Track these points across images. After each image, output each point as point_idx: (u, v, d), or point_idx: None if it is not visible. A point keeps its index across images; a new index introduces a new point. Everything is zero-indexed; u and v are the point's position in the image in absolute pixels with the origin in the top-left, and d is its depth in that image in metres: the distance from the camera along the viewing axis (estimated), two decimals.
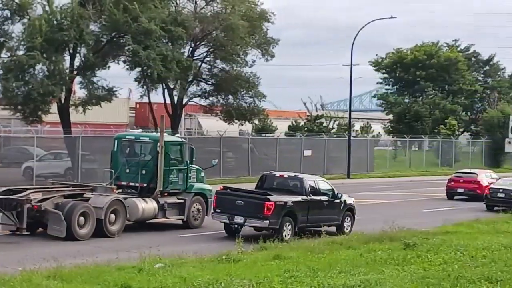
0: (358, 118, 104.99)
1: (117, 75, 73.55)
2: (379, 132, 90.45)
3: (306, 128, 71.07)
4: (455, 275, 17.11)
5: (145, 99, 56.11)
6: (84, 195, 26.77)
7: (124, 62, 48.29)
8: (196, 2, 54.58)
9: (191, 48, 54.25)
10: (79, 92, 50.98)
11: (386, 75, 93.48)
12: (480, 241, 23.32)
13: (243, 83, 54.60)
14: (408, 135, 73.56)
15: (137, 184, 28.73)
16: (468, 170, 49.53)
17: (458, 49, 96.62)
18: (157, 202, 28.25)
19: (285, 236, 26.40)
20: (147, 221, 28.55)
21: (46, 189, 26.65)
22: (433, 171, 69.58)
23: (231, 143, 54.42)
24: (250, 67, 55.29)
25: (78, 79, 47.00)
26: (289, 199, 27.30)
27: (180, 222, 29.50)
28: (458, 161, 76.37)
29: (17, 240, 24.14)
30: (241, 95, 55.50)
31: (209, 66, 56.15)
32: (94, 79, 46.11)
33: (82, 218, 25.33)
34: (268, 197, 26.55)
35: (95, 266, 18.07)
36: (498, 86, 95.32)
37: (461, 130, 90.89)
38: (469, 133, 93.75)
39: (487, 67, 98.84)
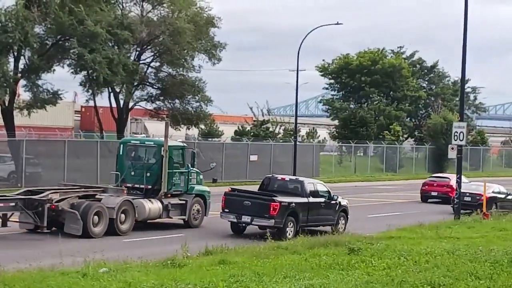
0: (304, 124, 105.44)
1: (62, 78, 73.01)
2: (324, 138, 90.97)
3: (252, 133, 71.25)
4: (399, 280, 17.27)
5: (91, 103, 55.73)
6: (96, 196, 28.64)
7: (69, 65, 47.96)
8: (142, 6, 54.43)
9: (137, 52, 54.11)
10: (23, 95, 50.48)
11: (332, 81, 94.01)
12: (423, 246, 23.53)
13: (190, 87, 54.60)
14: (353, 141, 74.18)
15: (142, 186, 30.63)
16: (441, 175, 52.14)
17: (404, 55, 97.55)
18: (162, 203, 30.21)
19: (288, 234, 28.55)
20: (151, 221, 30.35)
21: (62, 190, 28.64)
22: (377, 177, 70.23)
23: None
24: (197, 72, 55.32)
25: (22, 82, 46.58)
26: (292, 200, 29.52)
27: (182, 222, 31.47)
28: (402, 166, 77.26)
29: None
30: (188, 99, 55.49)
31: (156, 70, 56.04)
32: (39, 82, 45.81)
33: (96, 217, 27.31)
34: (274, 198, 28.83)
35: (39, 271, 17.87)
36: (442, 93, 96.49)
37: (405, 136, 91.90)
38: (413, 139, 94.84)
39: (432, 74, 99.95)
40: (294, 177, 33.91)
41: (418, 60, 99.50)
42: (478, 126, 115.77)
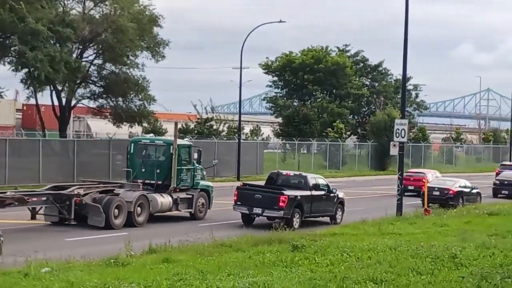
0: (248, 121, 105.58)
1: (3, 75, 72.09)
2: (268, 135, 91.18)
3: (196, 131, 71.09)
4: (341, 276, 17.39)
5: (32, 101, 55.10)
6: (114, 191, 31.36)
7: (10, 63, 47.40)
8: (84, 4, 53.98)
9: (79, 50, 53.65)
10: None
11: (275, 79, 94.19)
12: (366, 243, 23.74)
13: (133, 85, 54.32)
14: (296, 138, 74.49)
15: (153, 182, 33.34)
16: (417, 170, 55.86)
17: (348, 54, 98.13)
18: (172, 197, 33.02)
19: (295, 224, 31.57)
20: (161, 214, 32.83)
21: (85, 186, 31.39)
22: (321, 174, 70.27)
23: (121, 146, 53.85)
24: (140, 70, 55.05)
25: None
26: (298, 193, 32.65)
27: (188, 214, 34.36)
28: (345, 163, 77.78)
29: None
30: (131, 97, 55.19)
31: (98, 68, 55.61)
32: None
33: (116, 210, 29.89)
34: (283, 191, 31.96)
35: None
36: (384, 91, 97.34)
37: (348, 133, 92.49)
38: (356, 136, 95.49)
39: (375, 72, 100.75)
40: (298, 172, 37.33)
41: (362, 58, 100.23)
42: (420, 123, 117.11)
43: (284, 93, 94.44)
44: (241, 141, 62.05)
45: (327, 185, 35.01)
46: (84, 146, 51.59)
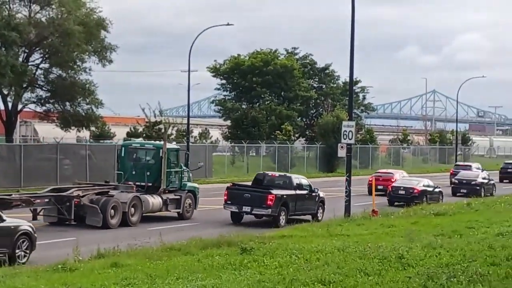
0: (197, 124, 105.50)
1: None
2: (217, 138, 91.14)
3: (144, 134, 70.75)
4: (290, 278, 17.48)
5: None
6: (109, 193, 33.39)
7: None
8: (30, 7, 53.41)
9: (25, 54, 53.09)
10: None
11: (224, 81, 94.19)
12: (314, 244, 23.84)
13: (80, 90, 53.92)
14: (245, 141, 74.58)
15: (143, 184, 35.14)
16: (385, 170, 59.92)
17: (296, 57, 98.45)
18: (162, 198, 35.10)
19: (281, 221, 34.26)
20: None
21: (82, 187, 33.42)
22: None
23: (68, 150, 53.50)
24: (87, 74, 54.68)
25: None
26: (284, 192, 35.24)
27: (176, 214, 36.46)
28: (294, 165, 78.03)
29: None
30: (78, 102, 54.78)
31: (45, 72, 55.10)
32: None
33: (112, 211, 31.91)
34: (271, 191, 34.50)
35: None
36: (332, 93, 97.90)
37: (296, 135, 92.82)
38: (304, 139, 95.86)
39: (322, 75, 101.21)
40: (283, 173, 40.79)
41: (310, 61, 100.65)
42: (367, 125, 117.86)
43: (233, 96, 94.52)
44: (190, 144, 61.94)
45: (309, 185, 37.69)
46: (31, 151, 51.07)
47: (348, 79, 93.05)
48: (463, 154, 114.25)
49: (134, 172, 35.68)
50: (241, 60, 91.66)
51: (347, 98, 79.02)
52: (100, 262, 20.87)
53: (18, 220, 24.17)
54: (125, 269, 19.37)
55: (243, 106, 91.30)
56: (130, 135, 71.49)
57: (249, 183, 38.94)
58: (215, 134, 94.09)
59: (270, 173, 39.83)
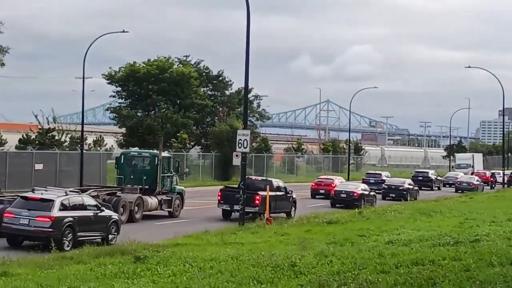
0: (92, 132, 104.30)
1: None
2: (112, 146, 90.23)
3: (37, 142, 69.52)
4: (183, 287, 17.52)
5: None
6: (117, 194, 38.61)
7: None
8: None
9: None
10: None
11: (119, 89, 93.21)
12: (208, 253, 23.89)
13: None
14: (140, 148, 73.98)
15: (140, 186, 40.86)
16: (326, 177, 67.50)
17: (189, 64, 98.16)
18: (157, 199, 41.31)
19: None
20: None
21: (96, 189, 38.47)
22: None
23: None
24: None
25: None
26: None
27: (166, 213, 42.42)
28: (189, 174, 77.85)
29: None
30: None
31: None
32: None
33: (122, 209, 37.17)
34: (258, 192, 41.03)
35: None
36: (228, 102, 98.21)
37: (192, 143, 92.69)
38: (199, 147, 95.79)
39: (215, 81, 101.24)
40: (264, 178, 48.09)
41: (204, 68, 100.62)
42: (262, 133, 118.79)
43: (128, 103, 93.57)
44: (84, 151, 61.20)
45: (285, 188, 44.59)
46: None
47: (241, 87, 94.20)
48: (356, 163, 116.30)
49: (132, 177, 41.97)
50: (137, 67, 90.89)
51: (242, 107, 79.68)
52: None
53: (109, 211, 31.77)
54: (15, 279, 19.05)
55: (139, 114, 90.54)
56: (22, 141, 70.21)
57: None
58: (110, 141, 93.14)
59: (253, 177, 47.20)
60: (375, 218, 39.98)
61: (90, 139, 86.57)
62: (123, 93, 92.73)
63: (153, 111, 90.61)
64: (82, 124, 62.42)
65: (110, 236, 30.15)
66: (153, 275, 19.71)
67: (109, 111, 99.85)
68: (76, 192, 31.71)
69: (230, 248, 26.07)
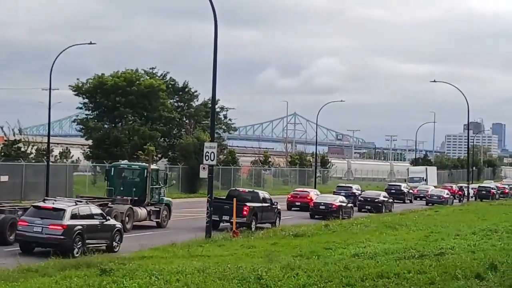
0: (58, 143, 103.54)
1: None
2: (78, 158, 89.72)
3: (3, 153, 69.00)
4: None
5: None
6: (109, 205, 39.93)
7: None
8: None
9: None
10: None
11: (86, 100, 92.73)
12: (174, 265, 23.88)
13: None
14: (107, 161, 73.73)
15: (130, 198, 42.06)
16: (302, 189, 70.30)
17: (156, 76, 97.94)
18: (146, 209, 42.93)
19: (253, 228, 42.40)
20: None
21: (90, 200, 38.27)
22: None
23: None
24: None
25: None
26: (254, 204, 44.26)
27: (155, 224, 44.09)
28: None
29: None
30: None
31: None
32: None
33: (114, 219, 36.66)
34: (246, 203, 43.25)
35: None
36: (195, 114, 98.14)
37: (159, 156, 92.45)
38: (166, 159, 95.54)
39: (181, 92, 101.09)
40: (251, 190, 50.53)
41: (170, 80, 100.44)
42: (230, 146, 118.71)
43: (95, 115, 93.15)
44: (50, 163, 60.85)
45: (270, 199, 47.35)
46: None
47: (208, 98, 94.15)
48: (322, 176, 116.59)
49: (122, 188, 43.43)
50: (104, 79, 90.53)
51: (209, 119, 79.71)
52: None
53: (113, 220, 33.83)
54: None
55: (106, 126, 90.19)
56: None
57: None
58: (77, 153, 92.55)
59: (241, 189, 49.69)
60: (341, 231, 40.18)
61: (56, 151, 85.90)
62: (90, 105, 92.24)
63: (120, 123, 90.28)
64: (48, 135, 62.09)
65: (114, 244, 32.14)
66: None
67: (76, 123, 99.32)
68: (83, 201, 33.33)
69: (197, 260, 26.08)
